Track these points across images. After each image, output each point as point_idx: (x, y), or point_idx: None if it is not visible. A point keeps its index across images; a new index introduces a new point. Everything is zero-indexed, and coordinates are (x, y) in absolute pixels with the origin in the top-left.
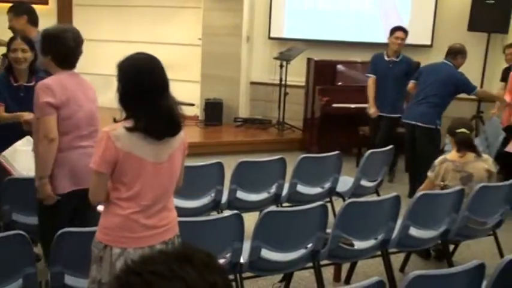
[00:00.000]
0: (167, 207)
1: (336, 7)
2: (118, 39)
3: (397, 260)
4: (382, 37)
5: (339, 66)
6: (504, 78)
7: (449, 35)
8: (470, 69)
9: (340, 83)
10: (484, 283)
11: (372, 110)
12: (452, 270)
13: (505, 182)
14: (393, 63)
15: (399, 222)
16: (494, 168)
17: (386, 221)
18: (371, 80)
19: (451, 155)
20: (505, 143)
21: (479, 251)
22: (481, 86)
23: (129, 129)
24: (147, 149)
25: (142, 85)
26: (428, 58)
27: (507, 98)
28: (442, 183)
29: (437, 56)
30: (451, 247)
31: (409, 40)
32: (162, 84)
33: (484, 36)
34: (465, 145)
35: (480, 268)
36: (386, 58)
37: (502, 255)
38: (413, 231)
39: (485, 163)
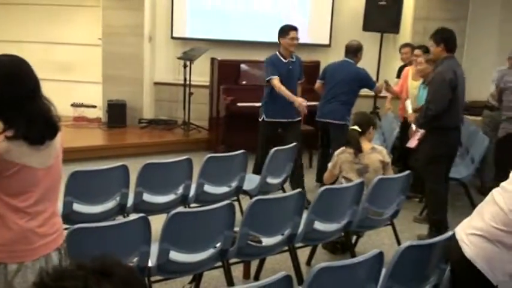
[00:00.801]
0: (55, 213)
1: (238, 7)
2: (11, 39)
3: (304, 253)
4: None
5: (243, 66)
6: (400, 75)
7: (346, 34)
8: (365, 67)
9: (244, 82)
10: (384, 270)
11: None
12: (354, 260)
13: (400, 174)
14: (292, 64)
15: (304, 216)
16: (388, 158)
17: (292, 217)
18: (278, 80)
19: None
20: (401, 137)
21: (379, 241)
22: (377, 80)
23: (10, 139)
24: (34, 155)
25: (13, 90)
26: (327, 57)
27: (397, 90)
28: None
29: (336, 55)
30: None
31: (309, 40)
32: (33, 86)
33: (377, 36)
34: (352, 141)
35: (379, 257)
36: (284, 60)
37: (399, 243)
38: (318, 225)
39: (380, 154)
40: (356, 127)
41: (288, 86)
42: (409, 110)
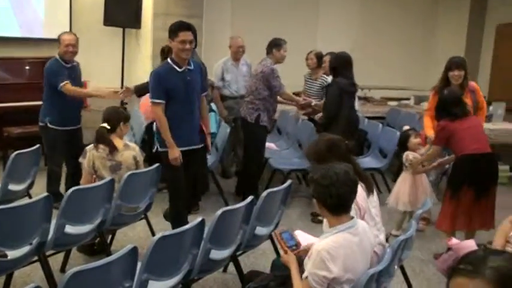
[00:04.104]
0: None
1: None
2: None
3: (58, 260)
4: (17, 31)
5: None
6: None
7: (87, 29)
8: (109, 63)
9: None
10: (139, 263)
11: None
12: (108, 259)
13: (150, 167)
14: (189, 73)
15: (54, 222)
16: (140, 155)
17: (40, 223)
18: (161, 109)
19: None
20: (147, 132)
21: (135, 235)
22: (122, 75)
23: None
24: None
25: None
26: None
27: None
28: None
29: (80, 50)
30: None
31: (47, 35)
32: None
33: (119, 31)
34: (101, 140)
35: (133, 251)
36: (178, 69)
37: (153, 235)
38: (69, 229)
39: (133, 151)
40: (105, 124)
41: (187, 103)
42: None
